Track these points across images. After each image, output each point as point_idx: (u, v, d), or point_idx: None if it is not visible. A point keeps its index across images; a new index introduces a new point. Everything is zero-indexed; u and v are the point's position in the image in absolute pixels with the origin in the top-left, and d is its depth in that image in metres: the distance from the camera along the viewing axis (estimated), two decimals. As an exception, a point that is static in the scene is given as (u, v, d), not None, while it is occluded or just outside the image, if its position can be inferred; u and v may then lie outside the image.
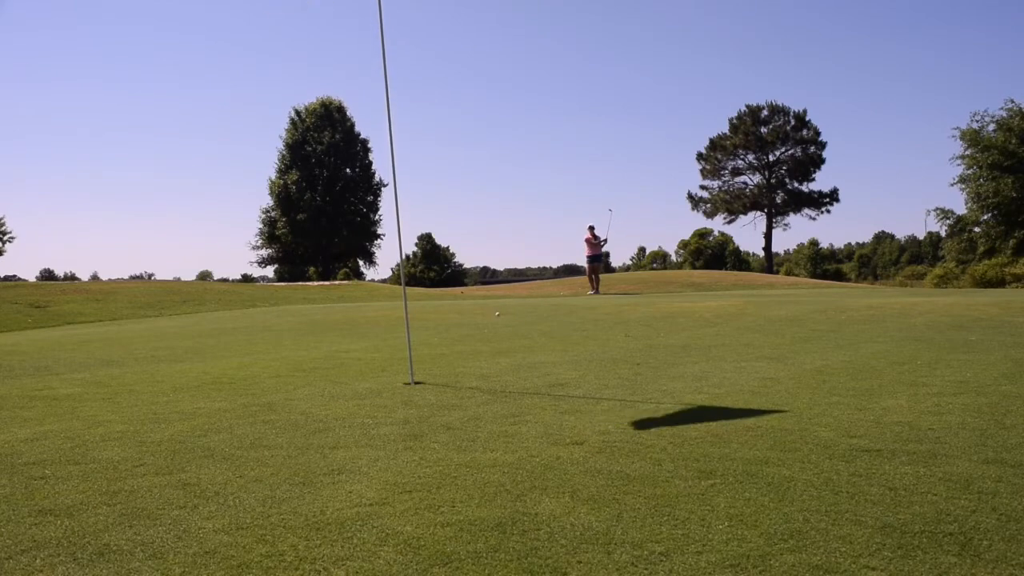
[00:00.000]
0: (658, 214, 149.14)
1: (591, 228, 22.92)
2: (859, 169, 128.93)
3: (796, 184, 65.82)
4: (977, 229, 39.27)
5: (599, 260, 24.18)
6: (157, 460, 4.53)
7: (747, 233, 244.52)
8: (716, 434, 4.78)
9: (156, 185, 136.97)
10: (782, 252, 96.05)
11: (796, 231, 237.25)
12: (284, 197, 56.55)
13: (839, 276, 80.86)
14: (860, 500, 3.49)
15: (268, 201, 58.38)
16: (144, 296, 24.01)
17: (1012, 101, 37.43)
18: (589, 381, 7.06)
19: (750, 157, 65.91)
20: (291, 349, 10.65)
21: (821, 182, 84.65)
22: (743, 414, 5.38)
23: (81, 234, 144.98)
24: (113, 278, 66.40)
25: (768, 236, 66.42)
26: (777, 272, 72.07)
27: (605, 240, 23.13)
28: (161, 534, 3.29)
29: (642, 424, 5.14)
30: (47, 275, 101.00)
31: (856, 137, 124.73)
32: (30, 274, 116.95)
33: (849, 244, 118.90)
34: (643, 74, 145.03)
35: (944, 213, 40.77)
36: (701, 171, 67.62)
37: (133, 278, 76.24)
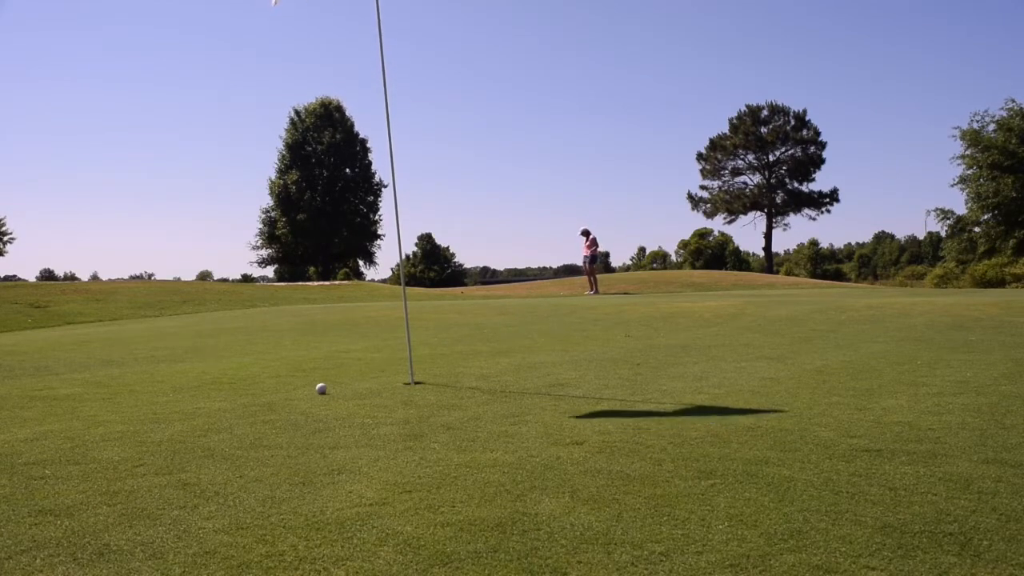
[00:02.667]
0: (658, 214, 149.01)
1: (585, 232, 23.25)
2: (859, 169, 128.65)
3: (796, 184, 65.78)
4: (977, 229, 39.25)
5: (596, 260, 24.34)
6: (157, 460, 4.53)
7: (747, 233, 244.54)
8: (716, 434, 4.78)
9: (156, 185, 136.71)
10: (782, 252, 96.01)
11: (796, 231, 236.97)
12: (284, 197, 56.53)
13: (839, 276, 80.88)
14: (860, 500, 3.49)
15: (268, 201, 58.41)
16: (144, 296, 24.01)
17: (1012, 101, 37.40)
18: (589, 381, 7.06)
19: (750, 157, 65.88)
20: (291, 349, 10.65)
21: (821, 182, 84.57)
22: (743, 414, 5.38)
23: (81, 234, 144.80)
24: (113, 278, 66.41)
25: (768, 236, 66.42)
26: (777, 272, 72.05)
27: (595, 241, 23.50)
28: (161, 534, 3.29)
29: (642, 424, 5.14)
30: (47, 275, 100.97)
31: (856, 137, 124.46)
32: (30, 274, 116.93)
33: (849, 244, 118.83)
34: (643, 74, 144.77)
35: (944, 213, 40.74)
36: (701, 171, 67.60)
37: (133, 278, 76.21)
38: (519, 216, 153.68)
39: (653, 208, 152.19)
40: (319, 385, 6.77)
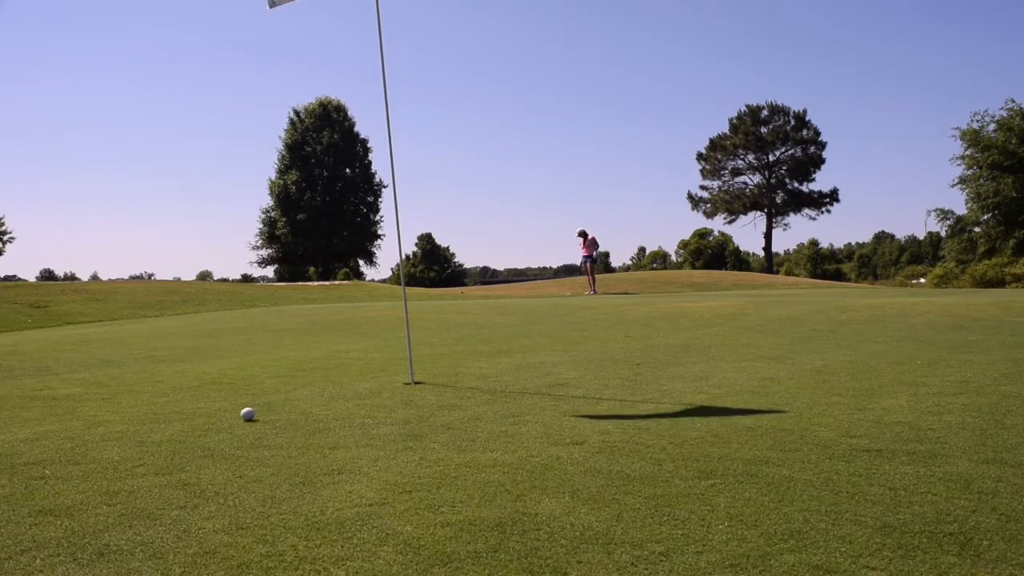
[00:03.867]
0: (658, 214, 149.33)
1: (582, 233, 23.35)
2: (859, 169, 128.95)
3: (796, 184, 65.85)
4: (977, 229, 39.28)
5: (596, 260, 24.46)
6: (157, 460, 4.53)
7: (747, 233, 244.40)
8: (716, 434, 4.78)
9: (156, 185, 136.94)
10: (782, 252, 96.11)
11: (796, 231, 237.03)
12: (284, 197, 56.56)
13: (839, 276, 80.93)
14: (860, 500, 3.49)
15: (268, 201, 58.47)
16: (144, 296, 24.00)
17: (1012, 101, 37.45)
18: (589, 381, 7.06)
19: (750, 157, 65.94)
20: (291, 349, 10.64)
21: (821, 182, 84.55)
22: (743, 414, 5.38)
23: (81, 234, 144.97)
24: (113, 278, 66.41)
25: (768, 236, 66.47)
26: (777, 272, 72.08)
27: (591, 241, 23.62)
28: (161, 534, 3.29)
29: (642, 424, 5.14)
30: (47, 275, 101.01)
31: (856, 137, 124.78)
32: (30, 274, 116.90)
33: (849, 244, 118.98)
34: (643, 74, 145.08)
35: (944, 213, 40.79)
36: (701, 171, 67.68)
37: (133, 278, 76.22)
38: (519, 216, 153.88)
39: (653, 208, 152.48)
40: (245, 410, 5.73)
